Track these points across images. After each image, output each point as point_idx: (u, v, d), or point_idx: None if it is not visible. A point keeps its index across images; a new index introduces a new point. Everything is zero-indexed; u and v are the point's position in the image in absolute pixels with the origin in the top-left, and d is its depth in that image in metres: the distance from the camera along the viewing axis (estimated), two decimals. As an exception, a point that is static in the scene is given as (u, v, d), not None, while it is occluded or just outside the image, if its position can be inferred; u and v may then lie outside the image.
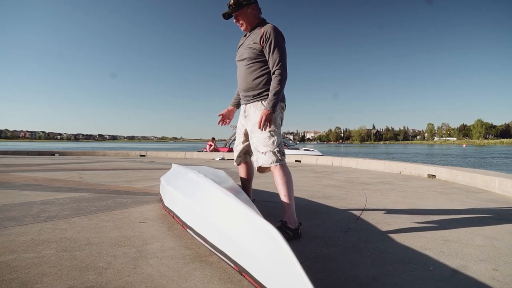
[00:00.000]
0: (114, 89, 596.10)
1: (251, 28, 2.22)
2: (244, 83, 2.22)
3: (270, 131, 2.08)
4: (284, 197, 2.04)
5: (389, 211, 2.82)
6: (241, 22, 2.22)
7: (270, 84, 2.13)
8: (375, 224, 2.36)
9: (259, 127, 2.05)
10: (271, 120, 2.07)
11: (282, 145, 2.13)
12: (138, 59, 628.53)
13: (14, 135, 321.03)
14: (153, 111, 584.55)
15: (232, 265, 1.36)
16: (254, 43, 2.14)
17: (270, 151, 2.06)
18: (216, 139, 16.85)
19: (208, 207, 1.63)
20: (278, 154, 2.07)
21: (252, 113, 2.18)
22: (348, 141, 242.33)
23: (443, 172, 5.60)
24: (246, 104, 2.26)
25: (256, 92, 2.17)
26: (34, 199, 3.14)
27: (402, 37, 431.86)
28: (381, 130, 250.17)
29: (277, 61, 2.07)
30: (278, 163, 2.06)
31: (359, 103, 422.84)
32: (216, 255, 1.53)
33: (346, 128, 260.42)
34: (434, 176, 5.80)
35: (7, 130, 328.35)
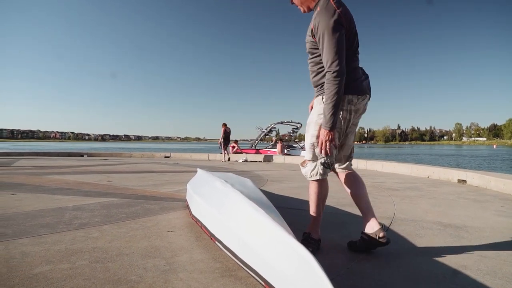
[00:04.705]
0: (140, 90, 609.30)
1: (309, 9, 1.90)
2: (310, 78, 1.96)
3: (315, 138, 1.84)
4: (311, 211, 1.99)
5: (420, 221, 2.73)
6: (295, 3, 1.94)
7: None
8: (406, 236, 2.30)
9: (320, 152, 1.82)
10: (332, 140, 1.76)
11: (331, 162, 1.87)
12: (159, 60, 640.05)
13: (45, 136, 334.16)
14: (177, 112, 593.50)
15: (263, 283, 1.35)
16: (308, 35, 1.85)
17: (310, 161, 1.90)
18: (238, 140, 16.92)
19: (236, 221, 1.62)
20: (320, 168, 1.86)
21: (314, 108, 1.94)
22: (372, 142, 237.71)
23: (474, 178, 5.39)
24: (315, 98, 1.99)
25: (318, 87, 1.90)
26: (66, 204, 3.25)
27: (426, 36, 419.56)
28: (407, 130, 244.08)
29: (328, 60, 1.70)
30: (314, 178, 1.89)
31: (383, 103, 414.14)
32: (245, 270, 1.53)
33: (370, 128, 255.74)
34: (464, 181, 5.59)
35: (39, 131, 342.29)
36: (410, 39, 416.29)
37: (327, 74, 1.71)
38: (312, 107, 2.08)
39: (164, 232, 2.29)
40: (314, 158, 1.87)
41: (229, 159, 12.55)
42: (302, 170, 1.96)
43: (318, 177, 1.88)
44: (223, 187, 2.22)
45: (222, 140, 12.66)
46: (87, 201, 3.46)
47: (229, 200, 1.89)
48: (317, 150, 1.84)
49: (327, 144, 1.76)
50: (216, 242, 1.83)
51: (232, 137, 13.70)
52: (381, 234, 1.84)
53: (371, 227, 1.89)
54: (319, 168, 1.86)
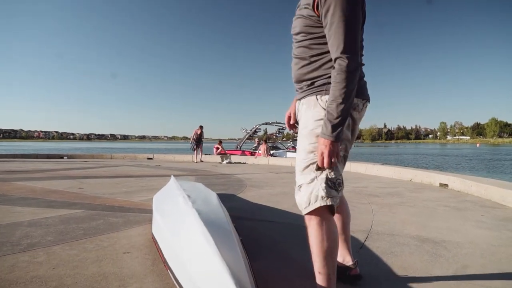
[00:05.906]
0: (126, 89, 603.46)
1: None
2: (294, 69, 1.48)
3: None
4: (316, 273, 1.35)
5: (397, 236, 2.60)
6: None
7: (331, 69, 1.32)
8: (380, 255, 2.16)
9: (320, 166, 1.28)
10: (337, 153, 1.27)
11: (337, 179, 1.31)
12: (145, 59, 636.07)
13: (28, 135, 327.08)
14: (164, 111, 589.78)
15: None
16: (305, 7, 1.37)
17: (307, 184, 1.31)
18: (221, 141, 16.71)
19: (186, 251, 1.44)
20: (322, 187, 1.28)
21: (303, 113, 1.44)
22: (359, 140, 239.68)
23: (456, 182, 5.33)
24: (299, 100, 1.50)
25: (309, 82, 1.41)
26: (22, 218, 3.01)
27: (411, 36, 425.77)
28: (393, 129, 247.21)
29: (341, 43, 1.23)
30: (314, 207, 1.28)
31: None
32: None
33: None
34: (446, 185, 5.53)
35: (22, 130, 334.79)
36: (396, 39, 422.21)
37: (338, 62, 1.24)
38: (290, 117, 1.66)
39: (119, 254, 2.10)
40: (311, 182, 1.31)
41: (197, 162, 12.81)
42: (296, 198, 1.37)
43: (318, 204, 1.27)
44: (184, 205, 2.03)
45: (194, 141, 13.04)
46: (48, 213, 3.22)
47: (185, 224, 1.70)
48: (316, 169, 1.31)
49: (332, 160, 1.26)
50: (168, 270, 1.65)
51: (218, 136, 13.87)
52: (352, 272, 1.69)
53: (343, 259, 1.72)
54: (320, 188, 1.28)
